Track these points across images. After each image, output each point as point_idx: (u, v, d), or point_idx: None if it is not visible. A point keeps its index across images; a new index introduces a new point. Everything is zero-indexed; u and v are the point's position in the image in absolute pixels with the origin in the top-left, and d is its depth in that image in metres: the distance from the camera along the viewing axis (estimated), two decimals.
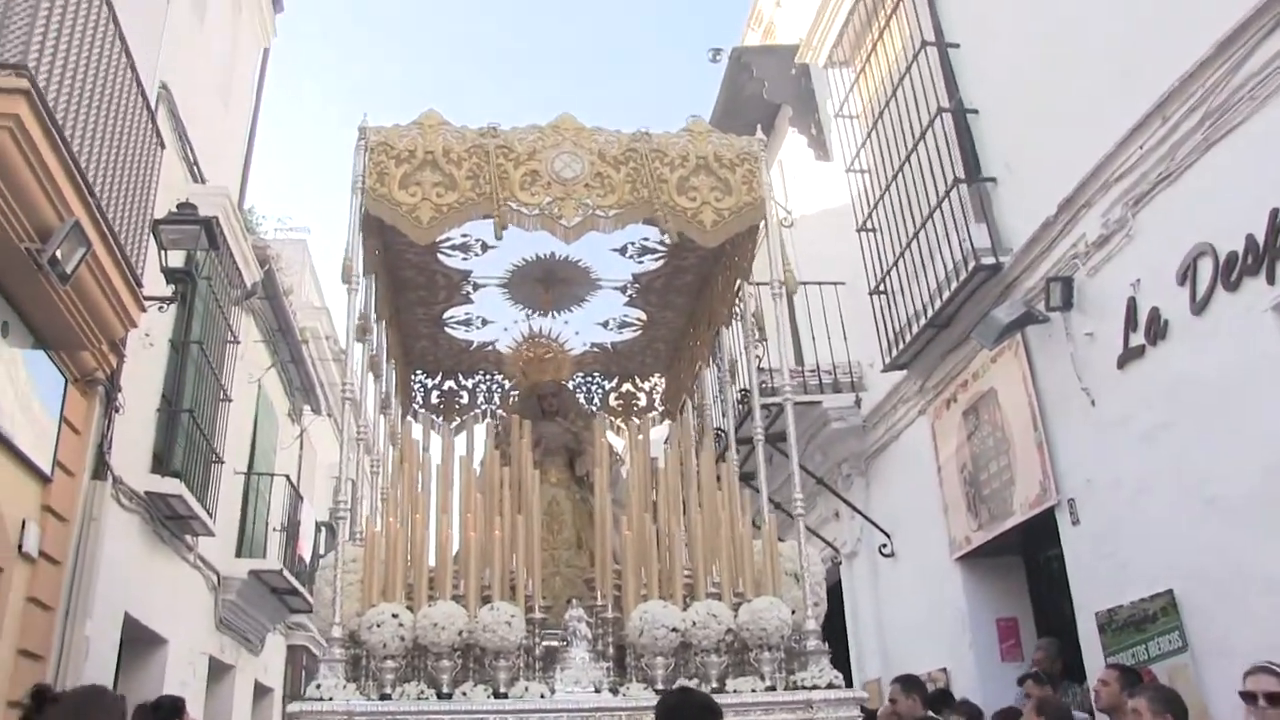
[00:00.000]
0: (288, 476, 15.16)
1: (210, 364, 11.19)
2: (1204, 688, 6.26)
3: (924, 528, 10.07)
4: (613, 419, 9.27)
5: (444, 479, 6.59)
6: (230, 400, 12.02)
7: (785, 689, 5.81)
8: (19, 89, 5.88)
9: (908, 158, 9.51)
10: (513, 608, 5.74)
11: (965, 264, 8.57)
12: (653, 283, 8.36)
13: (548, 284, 8.27)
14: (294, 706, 5.42)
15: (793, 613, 6.01)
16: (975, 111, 9.04)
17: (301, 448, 17.50)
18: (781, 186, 13.04)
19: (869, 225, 10.43)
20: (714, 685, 5.67)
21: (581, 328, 8.91)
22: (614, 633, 6.07)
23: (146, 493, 9.89)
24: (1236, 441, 6.06)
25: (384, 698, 5.52)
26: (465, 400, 9.31)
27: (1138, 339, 6.93)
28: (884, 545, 10.85)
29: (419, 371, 9.36)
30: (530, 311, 8.66)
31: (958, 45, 9.33)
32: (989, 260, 8.41)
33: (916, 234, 9.38)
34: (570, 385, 9.19)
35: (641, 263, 8.10)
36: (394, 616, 5.62)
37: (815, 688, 5.72)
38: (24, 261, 6.52)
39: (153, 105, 8.74)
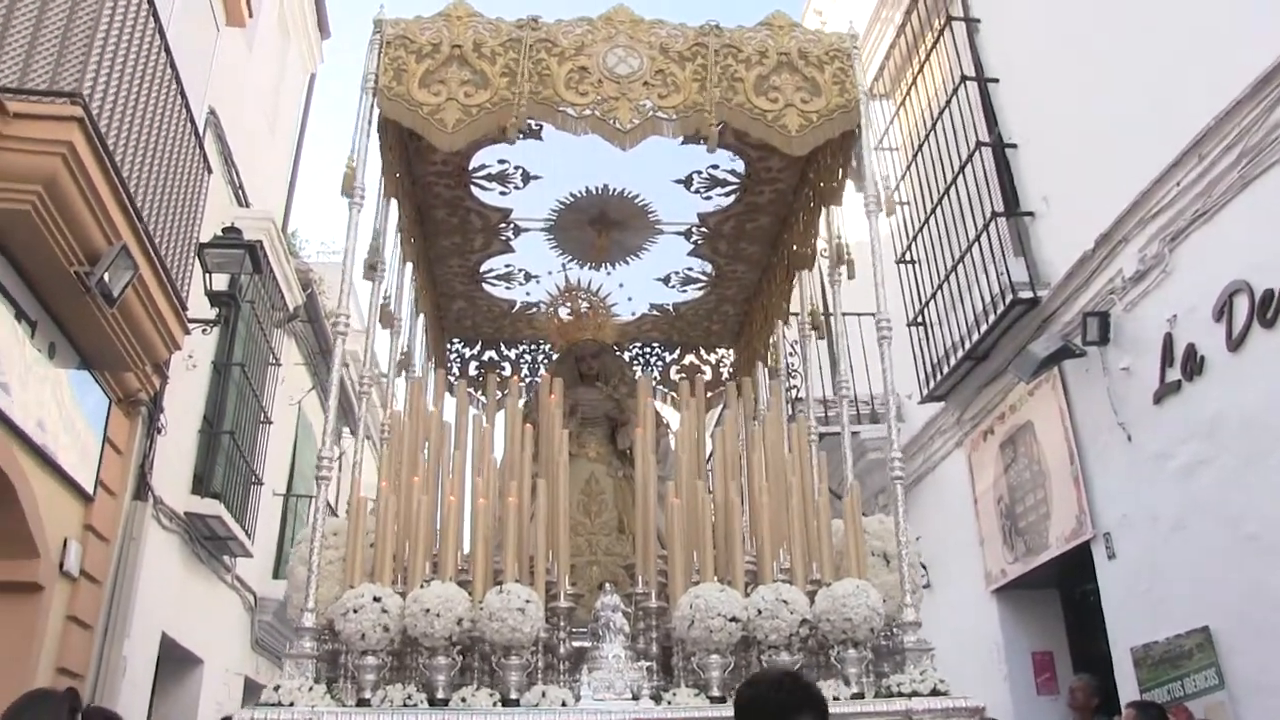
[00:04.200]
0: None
1: (252, 386, 11.29)
2: None
3: (960, 559, 10.04)
4: (674, 395, 8.07)
5: (457, 439, 5.52)
6: (271, 422, 12.11)
7: (877, 695, 4.74)
8: (73, 116, 5.99)
9: (946, 191, 9.56)
10: (528, 591, 4.68)
11: (1003, 297, 8.60)
12: (721, 226, 7.38)
13: (600, 227, 7.32)
14: (244, 713, 4.40)
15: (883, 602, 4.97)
16: (1014, 146, 9.08)
17: (340, 470, 17.57)
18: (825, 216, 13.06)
19: (908, 257, 10.46)
20: None
21: (639, 286, 7.90)
22: (658, 626, 5.05)
23: (186, 513, 9.95)
24: (1274, 478, 6.02)
25: (363, 703, 4.53)
26: (508, 372, 8.18)
27: (1174, 375, 6.93)
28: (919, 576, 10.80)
29: (456, 340, 8.44)
30: (580, 263, 7.67)
31: (997, 80, 9.40)
32: (1026, 294, 8.44)
33: (955, 267, 9.41)
34: (627, 355, 8.31)
35: (709, 198, 7.13)
36: (376, 600, 4.61)
37: (915, 694, 4.63)
38: (72, 284, 6.61)
39: (201, 131, 8.87)
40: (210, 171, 8.96)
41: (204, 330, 9.09)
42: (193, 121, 8.30)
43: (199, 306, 8.82)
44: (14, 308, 6.57)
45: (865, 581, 4.95)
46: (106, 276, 6.61)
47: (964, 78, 9.41)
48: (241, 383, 10.96)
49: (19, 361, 6.67)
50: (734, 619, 4.70)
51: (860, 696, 4.69)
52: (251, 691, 13.12)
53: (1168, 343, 6.98)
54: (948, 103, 9.58)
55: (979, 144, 9.09)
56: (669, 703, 4.61)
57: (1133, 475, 7.41)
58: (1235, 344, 6.35)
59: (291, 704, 4.37)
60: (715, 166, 6.85)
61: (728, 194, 7.12)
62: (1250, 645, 6.25)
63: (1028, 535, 8.84)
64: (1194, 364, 6.72)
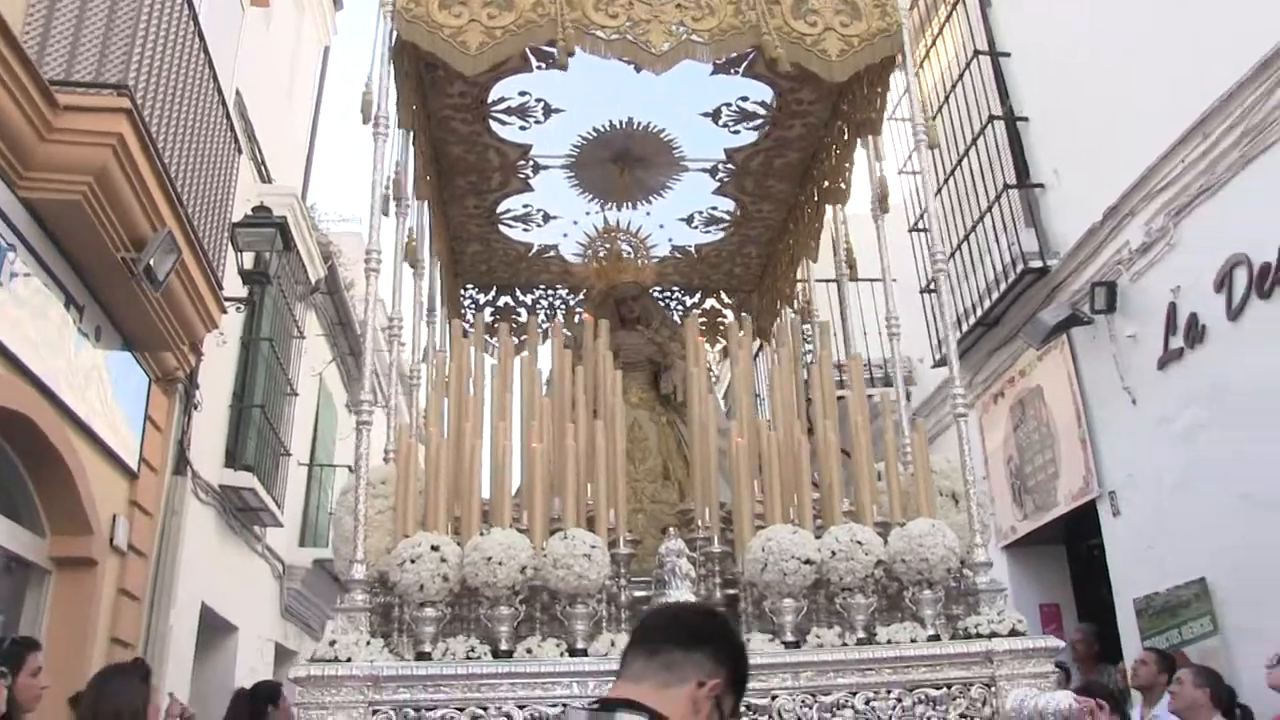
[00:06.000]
0: (348, 467, 15.44)
1: (279, 360, 11.52)
2: (1233, 668, 6.54)
3: None
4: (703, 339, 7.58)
5: (502, 379, 5.21)
6: (296, 394, 12.33)
7: (954, 638, 4.53)
8: (121, 108, 6.22)
9: (959, 163, 9.77)
10: (593, 536, 4.49)
11: (1014, 266, 8.86)
12: (749, 162, 7.04)
13: (623, 164, 6.98)
14: (299, 670, 4.13)
15: None
16: (1026, 119, 9.30)
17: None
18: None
19: (920, 226, 10.66)
20: (861, 635, 4.51)
21: (660, 227, 7.57)
22: (723, 571, 4.83)
23: (220, 486, 10.19)
24: (1268, 441, 6.31)
25: (421, 657, 4.28)
26: (523, 318, 7.90)
27: (1177, 342, 7.20)
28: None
29: (469, 285, 8.15)
30: (601, 203, 7.36)
31: (1009, 54, 9.60)
32: (1037, 263, 8.70)
33: (967, 236, 9.63)
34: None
35: (738, 132, 6.77)
36: (434, 549, 4.36)
37: (994, 635, 4.40)
38: (117, 269, 6.87)
39: (230, 113, 9.09)
40: (240, 153, 9.17)
41: (237, 308, 9.30)
42: (224, 104, 8.51)
43: (231, 284, 9.05)
44: (64, 294, 6.82)
45: (940, 521, 4.78)
46: (152, 261, 6.86)
47: (976, 52, 9.60)
48: (269, 357, 11.17)
49: (69, 346, 6.94)
50: (808, 561, 4.49)
51: (937, 639, 4.53)
52: (282, 657, 13.43)
53: (1171, 312, 7.24)
54: (960, 77, 9.78)
55: (991, 117, 9.30)
56: None
57: (1137, 437, 7.69)
58: (1235, 314, 6.62)
59: (349, 659, 4.10)
60: (745, 99, 6.52)
61: (756, 128, 6.78)
62: (1243, 595, 6.62)
63: (1036, 494, 9.14)
64: (1196, 332, 6.99)
